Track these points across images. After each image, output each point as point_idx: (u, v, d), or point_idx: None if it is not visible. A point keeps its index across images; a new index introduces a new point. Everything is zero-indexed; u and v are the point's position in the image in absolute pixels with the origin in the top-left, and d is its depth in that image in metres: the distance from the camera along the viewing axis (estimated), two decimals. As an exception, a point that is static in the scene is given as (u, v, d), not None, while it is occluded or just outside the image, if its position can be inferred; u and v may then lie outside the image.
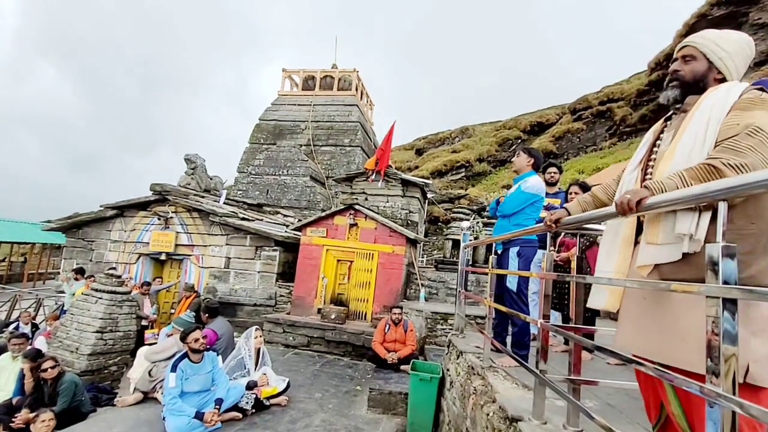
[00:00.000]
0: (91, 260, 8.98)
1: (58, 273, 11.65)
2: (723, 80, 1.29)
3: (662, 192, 1.10)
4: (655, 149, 1.37)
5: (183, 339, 3.88)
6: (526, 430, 1.65)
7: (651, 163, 1.35)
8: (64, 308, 6.96)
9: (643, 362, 1.08)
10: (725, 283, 0.86)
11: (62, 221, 9.19)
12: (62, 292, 8.05)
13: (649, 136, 1.45)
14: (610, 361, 2.89)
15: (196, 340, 3.81)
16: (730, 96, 1.17)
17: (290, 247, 8.63)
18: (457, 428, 2.94)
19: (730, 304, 0.86)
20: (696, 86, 1.31)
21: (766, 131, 1.05)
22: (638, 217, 1.29)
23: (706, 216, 1.05)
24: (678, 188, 1.09)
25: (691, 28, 17.61)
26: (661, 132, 1.41)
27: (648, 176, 1.34)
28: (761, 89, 1.17)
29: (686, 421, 1.11)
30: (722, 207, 0.92)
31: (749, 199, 1.05)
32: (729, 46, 1.28)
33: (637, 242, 1.30)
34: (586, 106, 24.85)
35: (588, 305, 1.50)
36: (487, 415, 2.17)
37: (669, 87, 1.36)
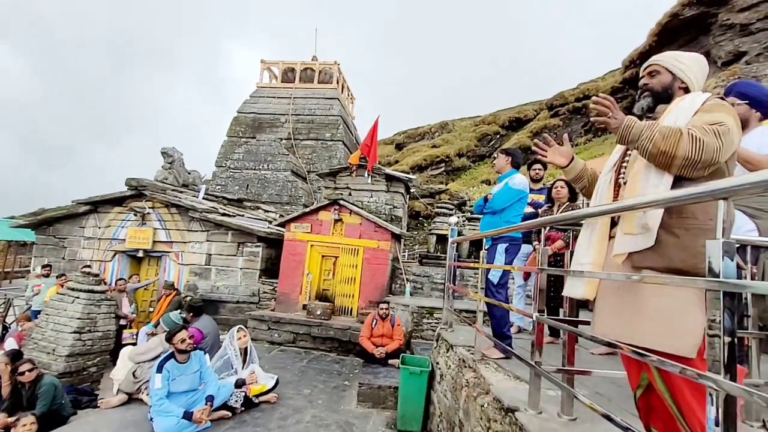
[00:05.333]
0: (63, 258, 8.60)
1: (28, 271, 11.08)
2: (687, 90, 1.47)
3: (633, 123, 1.35)
4: (629, 152, 1.51)
5: (169, 340, 3.78)
6: (523, 420, 1.70)
7: (624, 165, 1.50)
8: (33, 308, 6.67)
9: (621, 346, 1.22)
10: (726, 277, 0.91)
11: (29, 217, 8.74)
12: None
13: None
14: (594, 351, 3.02)
15: (183, 341, 3.72)
16: (695, 104, 1.36)
17: (273, 243, 8.51)
18: (449, 420, 3.00)
19: (729, 297, 0.91)
20: (665, 95, 1.48)
21: (731, 128, 1.23)
22: (612, 217, 1.44)
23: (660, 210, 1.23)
24: (643, 127, 1.31)
25: (664, 27, 18.24)
26: None
27: (621, 176, 1.48)
28: (722, 97, 1.36)
29: (670, 394, 1.24)
30: (722, 205, 0.97)
31: None
32: (686, 61, 1.49)
33: (610, 236, 1.45)
34: (563, 103, 25.49)
35: (565, 294, 1.59)
36: (482, 406, 2.23)
37: (642, 98, 1.53)
